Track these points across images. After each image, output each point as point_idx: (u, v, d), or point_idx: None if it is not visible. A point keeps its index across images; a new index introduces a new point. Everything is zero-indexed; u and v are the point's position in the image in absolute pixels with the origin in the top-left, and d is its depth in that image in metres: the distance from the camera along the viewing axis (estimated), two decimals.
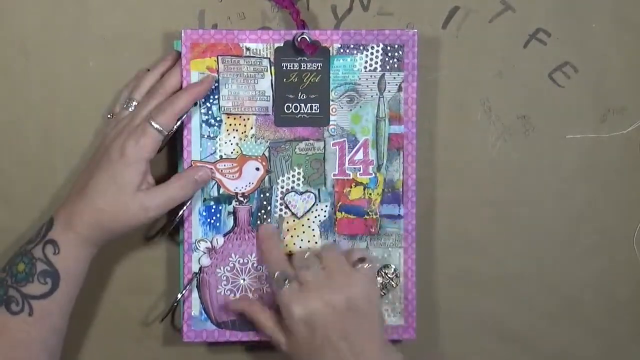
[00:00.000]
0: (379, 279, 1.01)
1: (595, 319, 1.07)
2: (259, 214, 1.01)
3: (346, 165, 1.01)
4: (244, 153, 1.00)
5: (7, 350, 0.88)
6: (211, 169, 0.99)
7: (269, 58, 0.99)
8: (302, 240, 1.01)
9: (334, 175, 1.01)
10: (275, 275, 0.94)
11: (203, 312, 1.01)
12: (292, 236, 1.01)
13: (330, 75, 1.00)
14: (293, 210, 1.01)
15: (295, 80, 1.00)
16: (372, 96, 1.00)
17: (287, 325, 0.92)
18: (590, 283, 1.07)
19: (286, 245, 1.01)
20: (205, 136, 1.00)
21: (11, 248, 1.00)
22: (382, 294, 1.01)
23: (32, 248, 0.91)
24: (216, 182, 1.00)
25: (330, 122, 1.00)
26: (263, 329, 0.96)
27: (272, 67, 0.99)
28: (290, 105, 1.00)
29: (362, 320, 0.92)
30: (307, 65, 1.00)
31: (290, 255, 0.99)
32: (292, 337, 0.92)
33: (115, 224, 0.92)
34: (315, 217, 1.01)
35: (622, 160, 1.06)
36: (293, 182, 1.01)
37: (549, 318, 1.07)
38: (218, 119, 0.99)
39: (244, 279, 1.01)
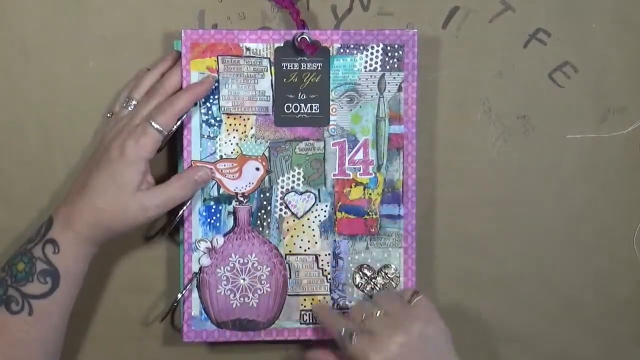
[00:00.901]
0: (380, 279, 1.02)
1: (595, 319, 1.07)
2: (259, 214, 1.01)
3: (346, 165, 1.01)
4: (244, 153, 1.00)
5: (6, 350, 0.88)
6: (211, 169, 0.99)
7: (269, 58, 0.99)
8: (302, 240, 1.01)
9: (334, 175, 1.01)
10: (341, 333, 0.93)
11: (203, 312, 1.01)
12: (292, 236, 1.01)
13: (330, 75, 1.00)
14: (293, 210, 1.01)
15: (295, 80, 1.00)
16: (372, 96, 1.00)
17: None
18: (590, 283, 1.07)
19: (286, 245, 1.01)
20: (205, 136, 1.00)
21: (11, 248, 1.00)
22: None
23: (31, 247, 0.91)
24: (216, 182, 1.00)
25: (330, 122, 1.00)
26: None
27: (272, 67, 0.99)
28: (290, 105, 1.00)
29: (436, 349, 0.92)
30: (307, 65, 1.00)
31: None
32: None
33: (114, 224, 0.92)
34: (315, 217, 1.01)
35: (622, 160, 1.06)
36: (293, 182, 1.01)
37: (549, 318, 1.07)
38: (218, 119, 0.99)
39: (244, 279, 1.01)
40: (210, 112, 0.99)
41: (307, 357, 1.01)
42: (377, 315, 0.93)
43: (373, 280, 1.02)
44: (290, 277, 1.01)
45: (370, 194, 1.01)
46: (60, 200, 0.95)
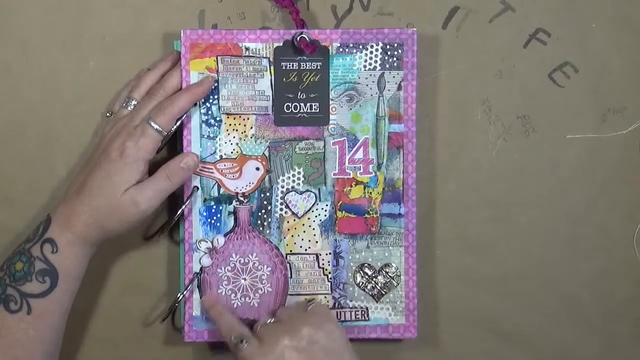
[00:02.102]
0: (381, 278, 1.02)
1: (595, 319, 1.07)
2: (260, 213, 1.01)
3: (346, 164, 1.01)
4: (244, 153, 1.00)
5: (5, 349, 0.88)
6: (207, 164, 0.99)
7: (269, 58, 0.99)
8: (302, 239, 1.01)
9: (334, 174, 1.01)
10: (231, 339, 0.93)
11: (204, 312, 1.00)
12: (292, 236, 1.01)
13: (330, 74, 1.00)
14: (293, 210, 1.01)
15: (295, 79, 1.00)
16: (371, 95, 1.00)
17: None
18: (590, 283, 1.07)
19: (287, 245, 1.01)
20: (205, 136, 1.00)
21: (11, 247, 0.99)
22: (383, 292, 1.02)
23: (30, 247, 0.91)
24: (216, 182, 1.00)
25: (330, 122, 1.00)
26: None
27: (272, 67, 1.00)
28: (290, 104, 1.00)
29: (326, 353, 0.91)
30: (306, 65, 1.00)
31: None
32: None
33: (111, 223, 0.92)
34: (316, 216, 1.01)
35: (622, 160, 1.06)
36: (293, 181, 1.01)
37: (549, 318, 1.07)
38: (218, 119, 0.99)
39: (244, 279, 1.00)
40: (210, 112, 0.99)
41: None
42: (269, 322, 0.94)
43: (374, 279, 1.02)
44: (291, 277, 1.01)
45: (371, 193, 1.01)
46: (58, 200, 0.95)
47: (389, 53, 1.00)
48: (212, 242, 1.00)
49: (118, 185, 0.91)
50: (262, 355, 0.89)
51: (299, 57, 0.99)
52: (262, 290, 1.01)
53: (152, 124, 0.92)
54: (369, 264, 1.02)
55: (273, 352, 0.89)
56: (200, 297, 1.00)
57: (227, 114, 1.00)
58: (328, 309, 0.99)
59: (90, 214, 0.91)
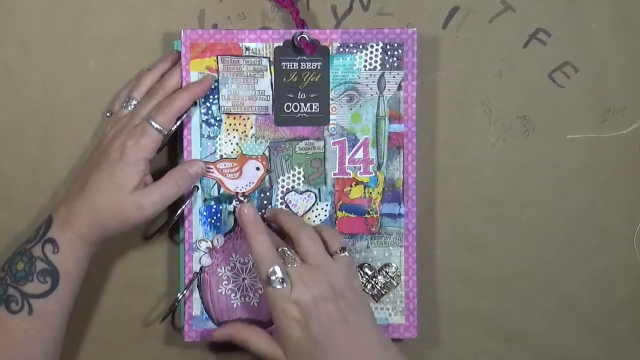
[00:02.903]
0: (380, 278, 1.02)
1: (595, 319, 1.07)
2: (260, 213, 1.01)
3: (346, 164, 1.01)
4: (244, 153, 1.00)
5: (6, 349, 0.88)
6: (206, 163, 0.99)
7: (269, 57, 0.99)
8: None
9: (334, 174, 1.01)
10: (270, 272, 0.90)
11: (204, 311, 1.01)
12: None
13: (330, 74, 1.00)
14: (293, 210, 1.01)
15: (295, 79, 1.00)
16: (371, 95, 1.00)
17: (280, 328, 0.91)
18: (590, 283, 1.07)
19: None
20: (205, 136, 1.00)
21: (11, 247, 1.00)
22: (383, 292, 1.02)
23: (31, 247, 0.91)
24: (216, 182, 1.00)
25: (330, 121, 1.00)
26: (257, 350, 0.95)
27: (272, 67, 1.00)
28: (290, 104, 1.00)
29: (350, 308, 0.90)
30: (306, 65, 1.00)
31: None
32: (288, 342, 0.90)
33: (112, 223, 0.92)
34: (316, 216, 1.01)
35: (622, 160, 1.06)
36: (293, 181, 1.01)
37: (549, 318, 1.07)
38: (218, 118, 0.99)
39: (244, 279, 1.01)
40: (210, 112, 0.99)
41: (215, 336, 1.00)
42: (296, 263, 0.92)
43: (374, 279, 1.02)
44: None
45: (371, 193, 1.01)
46: (59, 200, 0.95)
47: (389, 53, 1.00)
48: (212, 242, 1.00)
49: (119, 185, 0.91)
50: (291, 302, 0.89)
51: (299, 57, 0.99)
52: (262, 290, 1.01)
53: (153, 123, 0.93)
54: (369, 264, 1.02)
55: (303, 301, 0.89)
56: (201, 297, 1.00)
57: (227, 113, 1.00)
58: (353, 261, 0.98)
59: (92, 214, 0.91)
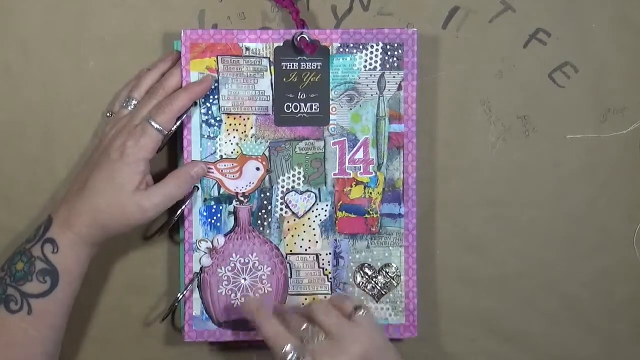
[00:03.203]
0: (381, 278, 1.02)
1: (595, 319, 1.07)
2: (260, 213, 1.01)
3: (346, 164, 1.01)
4: (244, 153, 1.00)
5: (5, 349, 0.88)
6: (206, 163, 0.99)
7: (269, 58, 0.99)
8: (302, 239, 1.01)
9: (334, 174, 1.01)
10: (282, 352, 0.89)
11: (204, 312, 1.01)
12: (292, 236, 1.01)
13: (330, 74, 1.00)
14: (293, 210, 1.01)
15: (295, 79, 1.00)
16: (372, 95, 1.00)
17: None
18: (590, 283, 1.07)
19: (287, 244, 1.01)
20: (206, 136, 1.00)
21: (11, 247, 0.99)
22: (383, 292, 1.02)
23: (30, 247, 0.91)
24: (216, 182, 1.00)
25: (330, 122, 1.00)
26: None
27: (272, 67, 1.00)
28: (290, 104, 1.00)
29: None
30: (306, 65, 1.00)
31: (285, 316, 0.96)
32: None
33: (113, 224, 0.92)
34: (316, 216, 1.01)
35: (622, 160, 1.06)
36: (293, 181, 1.01)
37: (549, 318, 1.07)
38: (218, 118, 0.99)
39: (244, 279, 1.01)
40: (210, 112, 0.99)
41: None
42: (319, 337, 0.90)
43: (374, 279, 1.02)
44: (291, 277, 1.01)
45: (371, 193, 1.01)
46: (59, 200, 0.95)
47: (389, 53, 1.00)
48: (212, 242, 1.00)
49: (120, 185, 0.91)
50: None
51: (299, 57, 0.99)
52: (262, 290, 1.01)
53: (153, 123, 0.92)
54: (369, 264, 1.02)
55: None
56: (201, 297, 1.00)
57: (227, 113, 1.00)
58: (373, 317, 0.97)
59: (92, 214, 0.91)
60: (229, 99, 1.00)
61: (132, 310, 1.05)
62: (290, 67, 1.00)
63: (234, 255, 1.00)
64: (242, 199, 1.00)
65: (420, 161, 1.02)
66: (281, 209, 1.01)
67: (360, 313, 0.93)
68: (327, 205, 1.01)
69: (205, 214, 1.00)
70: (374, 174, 1.01)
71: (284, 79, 1.00)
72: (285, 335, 0.90)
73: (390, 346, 0.94)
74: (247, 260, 1.00)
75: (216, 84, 0.99)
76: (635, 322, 1.08)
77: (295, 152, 1.00)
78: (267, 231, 1.01)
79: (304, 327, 0.92)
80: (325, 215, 1.01)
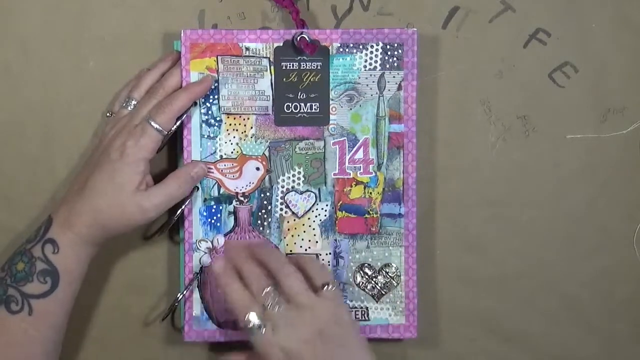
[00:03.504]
0: (381, 278, 1.02)
1: (595, 319, 1.07)
2: (260, 213, 1.01)
3: (346, 164, 1.01)
4: (244, 153, 1.00)
5: (6, 350, 0.88)
6: (206, 164, 0.99)
7: (269, 58, 0.99)
8: (302, 239, 1.01)
9: (334, 174, 1.01)
10: (245, 319, 0.89)
11: (204, 312, 1.01)
12: (292, 236, 1.01)
13: (330, 74, 1.00)
14: (293, 210, 1.01)
15: (295, 79, 1.00)
16: (372, 95, 1.00)
17: None
18: (590, 283, 1.07)
19: (287, 244, 1.01)
20: (205, 136, 1.00)
21: (11, 247, 1.00)
22: (383, 292, 1.02)
23: (31, 247, 0.91)
24: (216, 182, 1.00)
25: (330, 122, 1.00)
26: None
27: (272, 67, 1.00)
28: (290, 104, 1.00)
29: (339, 347, 0.89)
30: (306, 65, 1.00)
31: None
32: None
33: (113, 224, 0.92)
34: (316, 216, 1.01)
35: (622, 160, 1.06)
36: (293, 181, 1.01)
37: (549, 318, 1.07)
38: (218, 118, 0.99)
39: None
40: (210, 112, 0.99)
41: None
42: (280, 306, 0.89)
43: (374, 279, 1.02)
44: None
45: (371, 193, 1.01)
46: (59, 200, 0.95)
47: (389, 53, 1.00)
48: (212, 242, 1.00)
49: (120, 185, 0.91)
50: (275, 346, 0.88)
51: (299, 57, 0.99)
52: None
53: (152, 123, 0.92)
54: (369, 264, 1.02)
55: (289, 345, 0.87)
56: (201, 297, 1.00)
57: (227, 113, 1.00)
58: (340, 294, 0.96)
59: (92, 214, 0.91)
60: (229, 99, 0.99)
61: (132, 310, 1.04)
62: (290, 67, 1.00)
63: None
64: (242, 199, 1.00)
65: (420, 161, 1.02)
66: (281, 209, 1.01)
67: (328, 288, 0.91)
68: (327, 205, 1.01)
69: (205, 214, 1.00)
70: (374, 174, 1.01)
71: (284, 79, 1.00)
72: (248, 301, 0.90)
73: (355, 326, 0.93)
74: None
75: (216, 84, 0.99)
76: (635, 322, 1.08)
77: (295, 152, 1.00)
78: (267, 231, 1.01)
79: (267, 290, 0.90)
80: (325, 215, 1.01)
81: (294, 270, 0.92)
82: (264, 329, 0.88)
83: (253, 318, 0.88)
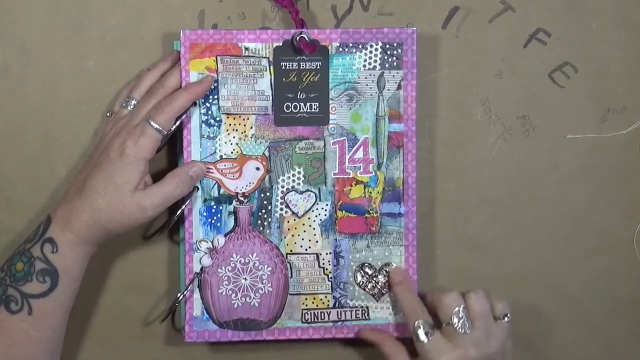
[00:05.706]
0: (381, 277, 1.02)
1: (595, 319, 1.07)
2: (260, 213, 1.01)
3: (346, 164, 1.01)
4: (244, 153, 1.00)
5: (6, 350, 0.88)
6: (205, 164, 0.99)
7: (268, 58, 0.99)
8: (303, 239, 1.01)
9: (334, 174, 1.01)
10: (415, 325, 0.95)
11: (205, 312, 1.00)
12: (293, 235, 1.01)
13: (330, 74, 1.00)
14: (293, 210, 1.01)
15: (295, 79, 1.00)
16: (371, 94, 1.00)
17: None
18: (590, 283, 1.07)
19: (287, 244, 1.01)
20: (205, 136, 1.00)
21: (11, 247, 0.99)
22: (384, 292, 1.02)
23: (30, 247, 0.91)
24: (216, 182, 1.00)
25: (330, 121, 1.00)
26: None
27: (271, 67, 1.00)
28: (290, 104, 1.00)
29: None
30: (306, 65, 1.00)
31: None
32: None
33: (112, 224, 0.91)
34: (316, 216, 1.01)
35: (622, 160, 1.06)
36: (293, 181, 1.01)
37: (549, 318, 1.07)
38: (218, 119, 0.99)
39: (245, 279, 1.00)
40: (209, 112, 0.99)
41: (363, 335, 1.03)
42: (463, 321, 0.95)
43: (374, 278, 1.02)
44: (291, 277, 1.01)
45: (371, 193, 1.01)
46: (58, 200, 0.95)
47: (388, 52, 1.00)
48: (212, 242, 1.00)
49: (119, 185, 0.91)
50: (442, 354, 0.93)
51: (298, 57, 0.99)
52: (262, 290, 1.01)
53: (152, 123, 0.92)
54: (369, 264, 1.02)
55: (452, 358, 0.93)
56: (201, 298, 1.00)
57: (227, 114, 1.00)
58: (510, 328, 0.98)
59: (91, 214, 0.91)
60: (228, 99, 0.99)
61: (132, 310, 1.05)
62: (289, 67, 1.00)
63: (234, 255, 1.00)
64: (242, 199, 1.00)
65: (420, 161, 1.02)
66: (281, 209, 1.01)
67: (505, 320, 0.96)
68: (327, 205, 1.01)
69: (205, 214, 1.00)
70: (373, 173, 1.01)
71: (284, 79, 1.00)
72: (419, 310, 0.97)
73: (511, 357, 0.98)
74: (247, 261, 1.00)
75: (216, 84, 0.99)
76: (635, 322, 1.08)
77: (295, 152, 1.00)
78: (268, 231, 1.01)
79: (460, 307, 0.95)
80: (326, 215, 1.01)
81: (482, 296, 0.97)
82: (431, 337, 0.94)
83: (421, 324, 0.95)
